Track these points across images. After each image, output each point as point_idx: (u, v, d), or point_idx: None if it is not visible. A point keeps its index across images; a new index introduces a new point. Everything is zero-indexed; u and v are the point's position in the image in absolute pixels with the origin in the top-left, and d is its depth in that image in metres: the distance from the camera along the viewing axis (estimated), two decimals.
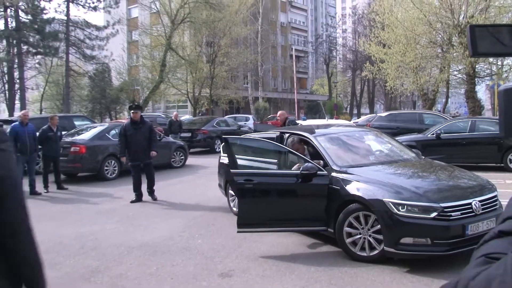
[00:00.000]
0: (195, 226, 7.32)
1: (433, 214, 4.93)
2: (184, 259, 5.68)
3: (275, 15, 60.67)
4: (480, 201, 5.18)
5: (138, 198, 9.61)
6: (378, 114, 22.13)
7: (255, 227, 6.01)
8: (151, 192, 9.78)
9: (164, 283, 4.91)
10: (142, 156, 9.55)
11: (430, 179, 6.01)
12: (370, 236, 5.30)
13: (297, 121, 24.62)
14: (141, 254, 5.94)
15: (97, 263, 5.53)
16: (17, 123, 10.83)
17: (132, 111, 9.73)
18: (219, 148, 8.78)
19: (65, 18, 37.33)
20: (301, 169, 5.80)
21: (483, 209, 5.14)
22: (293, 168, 6.27)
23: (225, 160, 8.07)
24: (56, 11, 38.27)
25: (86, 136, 13.40)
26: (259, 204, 5.98)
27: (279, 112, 11.34)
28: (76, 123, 17.37)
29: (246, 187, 5.81)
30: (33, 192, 10.64)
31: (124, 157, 9.82)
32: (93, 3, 38.44)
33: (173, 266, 5.44)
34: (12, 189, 1.68)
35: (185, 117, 30.49)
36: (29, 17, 35.72)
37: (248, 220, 5.85)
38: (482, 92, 46.51)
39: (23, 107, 34.19)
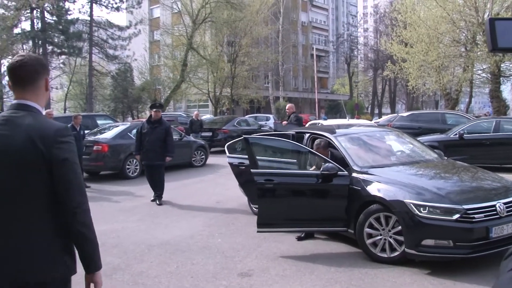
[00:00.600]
0: (215, 225, 7.34)
1: (456, 216, 4.85)
2: (204, 258, 5.70)
3: (296, 15, 60.52)
4: (505, 203, 5.07)
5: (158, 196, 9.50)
6: (399, 114, 21.90)
7: (275, 227, 6.02)
8: (158, 196, 9.41)
9: (184, 282, 4.93)
10: (153, 156, 9.20)
11: (452, 180, 5.92)
12: (390, 237, 5.24)
13: (317, 121, 24.50)
14: (162, 252, 5.99)
15: (118, 260, 5.59)
16: None
17: (154, 109, 9.45)
18: (240, 148, 8.71)
19: (89, 18, 37.82)
20: (321, 169, 5.78)
21: (508, 211, 5.03)
22: (310, 169, 6.27)
23: (233, 160, 8.11)
24: (80, 12, 38.89)
25: (108, 135, 13.56)
26: (279, 204, 5.97)
27: (287, 105, 11.39)
28: (99, 122, 17.61)
29: (266, 187, 5.82)
30: None
31: (138, 155, 9.60)
32: (116, 3, 38.88)
33: (193, 264, 5.46)
34: (73, 170, 2.12)
35: (206, 116, 30.59)
36: (54, 18, 36.36)
37: (268, 220, 5.85)
38: (507, 91, 45.69)
39: (47, 106, 34.75)
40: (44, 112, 2.28)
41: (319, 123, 20.41)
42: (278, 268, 5.26)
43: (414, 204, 4.99)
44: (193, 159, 15.19)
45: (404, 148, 7.23)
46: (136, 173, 13.14)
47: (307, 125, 17.90)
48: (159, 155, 9.21)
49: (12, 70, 2.20)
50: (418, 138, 9.13)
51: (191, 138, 16.34)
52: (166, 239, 6.60)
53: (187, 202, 9.43)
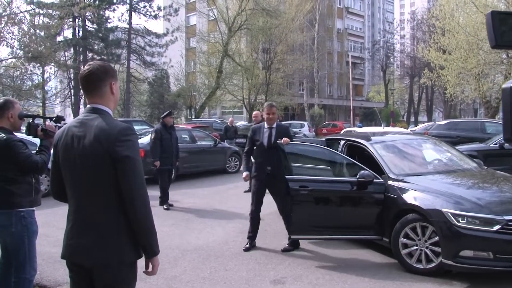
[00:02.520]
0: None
1: (496, 227, 4.69)
2: (237, 264, 5.69)
3: (331, 22, 60.25)
4: None
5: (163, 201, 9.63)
6: (436, 122, 21.42)
7: (308, 234, 5.98)
8: (166, 200, 9.64)
9: (217, 287, 4.94)
10: (170, 161, 9.64)
11: (492, 190, 5.75)
12: (427, 248, 5.11)
13: (352, 128, 24.15)
14: (195, 257, 6.01)
15: None
16: None
17: (170, 116, 9.86)
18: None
19: (128, 26, 38.68)
20: (357, 176, 5.70)
21: None
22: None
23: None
24: (119, 20, 39.81)
25: (144, 140, 13.72)
26: (313, 210, 5.92)
27: (254, 113, 10.83)
28: (136, 127, 17.88)
29: (300, 193, 5.78)
30: None
31: (158, 161, 9.50)
32: (154, 11, 39.67)
33: (226, 270, 5.46)
34: (135, 167, 2.34)
35: (241, 123, 30.73)
36: (95, 26, 37.33)
37: (301, 227, 5.81)
38: None
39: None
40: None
41: (353, 130, 20.23)
42: (311, 276, 5.21)
43: (452, 214, 4.86)
44: (227, 165, 15.26)
45: (442, 156, 7.06)
46: (171, 179, 13.26)
47: (341, 132, 17.74)
48: (173, 160, 9.77)
49: (81, 79, 2.52)
50: (456, 147, 8.90)
51: (226, 144, 16.41)
52: (200, 245, 6.63)
53: (221, 208, 9.45)
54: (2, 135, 3.70)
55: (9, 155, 3.64)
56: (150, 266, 2.47)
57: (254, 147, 6.50)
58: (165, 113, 10.08)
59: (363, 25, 70.82)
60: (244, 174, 6.55)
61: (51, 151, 3.77)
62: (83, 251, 2.37)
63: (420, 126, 27.81)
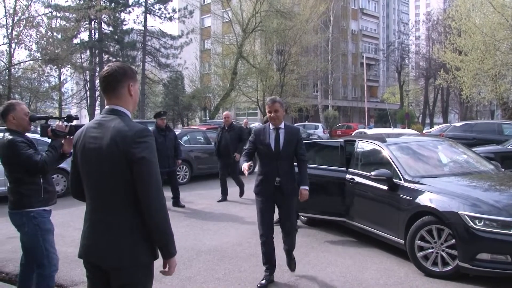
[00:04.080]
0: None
1: None
2: (252, 265, 5.68)
3: (346, 23, 60.06)
4: None
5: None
6: (452, 124, 21.22)
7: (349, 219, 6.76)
8: (176, 201, 9.83)
9: None
10: (168, 162, 9.57)
11: (509, 193, 5.64)
12: (443, 250, 5.05)
13: (362, 130, 24.01)
14: (210, 258, 6.01)
15: None
16: None
17: (161, 117, 9.76)
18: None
19: (143, 28, 38.91)
20: (373, 173, 5.75)
21: None
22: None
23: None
24: (134, 22, 40.22)
25: None
26: (353, 200, 6.67)
27: (225, 113, 10.96)
28: (151, 128, 17.95)
29: (351, 184, 6.63)
30: None
31: None
32: (169, 13, 39.89)
33: (240, 272, 5.46)
34: (151, 169, 2.34)
35: (255, 124, 30.73)
36: (110, 28, 37.62)
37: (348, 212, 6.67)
38: None
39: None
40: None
41: (363, 132, 20.19)
42: (325, 278, 5.17)
43: (469, 216, 4.79)
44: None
45: (458, 158, 6.97)
46: (185, 180, 13.33)
47: (353, 134, 17.72)
48: (173, 160, 9.82)
49: (100, 80, 2.55)
50: (473, 149, 8.79)
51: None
52: (214, 246, 6.63)
53: (235, 209, 9.45)
54: (8, 136, 3.85)
55: (12, 155, 3.77)
56: (167, 266, 2.48)
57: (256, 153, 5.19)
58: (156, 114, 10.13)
59: (377, 26, 70.47)
60: (245, 164, 4.97)
61: (61, 151, 3.87)
62: (99, 252, 2.40)
63: (436, 127, 27.59)
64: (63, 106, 34.50)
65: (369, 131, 20.45)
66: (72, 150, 2.64)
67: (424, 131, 26.93)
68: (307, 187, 4.98)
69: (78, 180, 2.56)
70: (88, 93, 38.13)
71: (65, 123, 3.83)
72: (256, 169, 5.38)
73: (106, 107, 2.53)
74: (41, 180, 3.87)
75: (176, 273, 5.34)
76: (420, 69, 59.86)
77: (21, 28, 22.65)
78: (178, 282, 5.06)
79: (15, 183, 3.83)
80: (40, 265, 3.89)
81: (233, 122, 11.00)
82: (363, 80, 50.18)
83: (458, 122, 23.07)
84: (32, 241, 3.86)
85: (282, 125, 5.01)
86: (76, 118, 3.97)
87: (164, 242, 2.40)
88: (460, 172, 6.25)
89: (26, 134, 4.02)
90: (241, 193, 10.66)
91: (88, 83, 37.85)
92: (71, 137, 3.74)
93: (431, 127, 41.50)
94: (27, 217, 3.81)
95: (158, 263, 2.49)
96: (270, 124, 5.03)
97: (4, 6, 22.42)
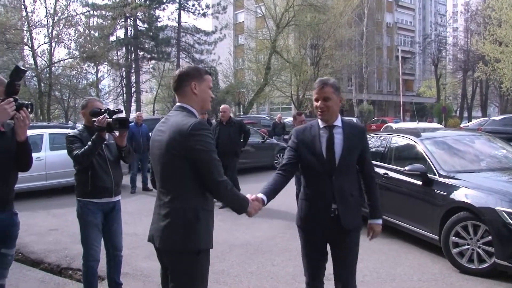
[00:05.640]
0: (296, 228, 7.28)
1: None
2: (284, 259, 5.68)
3: (380, 16, 59.08)
4: None
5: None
6: (491, 118, 20.64)
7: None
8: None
9: (263, 282, 4.95)
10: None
11: None
12: (479, 247, 4.93)
13: (390, 124, 23.61)
14: (243, 252, 6.06)
15: None
16: (132, 123, 11.49)
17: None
18: None
19: (177, 25, 39.28)
20: (407, 168, 5.70)
21: None
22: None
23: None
24: (169, 19, 40.55)
25: None
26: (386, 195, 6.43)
27: (222, 107, 9.84)
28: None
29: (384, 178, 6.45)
30: (145, 188, 11.31)
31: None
32: (202, 9, 40.15)
33: (273, 266, 5.47)
34: (208, 156, 2.56)
35: (289, 119, 30.65)
36: (145, 25, 38.13)
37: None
38: None
39: (138, 108, 36.60)
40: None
41: (389, 126, 20.04)
42: (358, 273, 5.07)
43: (506, 212, 4.66)
44: (275, 161, 15.27)
45: (496, 153, 6.77)
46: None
47: (381, 129, 17.56)
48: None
49: (172, 80, 2.85)
50: None
51: (274, 140, 16.44)
52: (247, 240, 6.67)
53: (269, 204, 9.41)
54: (72, 130, 4.28)
55: (66, 148, 4.07)
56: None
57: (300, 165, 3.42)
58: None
59: (413, 18, 69.05)
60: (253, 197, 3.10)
61: (101, 144, 3.96)
62: (155, 236, 2.66)
63: (474, 122, 26.88)
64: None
65: (394, 125, 20.36)
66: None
67: (461, 125, 26.22)
68: (380, 221, 3.34)
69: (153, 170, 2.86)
70: (124, 89, 38.81)
71: (107, 118, 3.88)
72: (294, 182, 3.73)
73: (176, 104, 2.81)
74: (89, 173, 3.99)
75: (210, 267, 5.39)
76: (457, 62, 58.28)
77: (60, 28, 23.31)
78: (211, 275, 5.02)
79: (74, 173, 4.12)
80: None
81: (231, 117, 9.88)
82: (399, 74, 49.33)
83: (498, 116, 22.42)
84: (80, 229, 4.11)
85: (338, 122, 3.27)
86: (119, 111, 4.07)
87: (236, 206, 2.81)
88: (498, 168, 6.08)
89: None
90: None
91: (124, 80, 38.53)
92: (117, 132, 3.94)
93: (469, 121, 40.44)
94: (78, 205, 4.09)
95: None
96: (320, 121, 3.29)
97: (45, 7, 23.10)
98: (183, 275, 2.63)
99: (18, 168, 3.23)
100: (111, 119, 3.83)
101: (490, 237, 4.79)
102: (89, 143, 3.89)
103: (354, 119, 35.70)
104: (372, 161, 3.50)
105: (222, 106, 9.92)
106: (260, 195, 3.23)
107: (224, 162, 9.79)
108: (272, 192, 3.38)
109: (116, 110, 3.99)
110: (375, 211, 3.33)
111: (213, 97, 2.92)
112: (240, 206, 2.80)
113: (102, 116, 3.85)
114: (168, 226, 2.59)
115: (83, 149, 3.89)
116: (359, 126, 3.48)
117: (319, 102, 3.23)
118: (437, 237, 5.39)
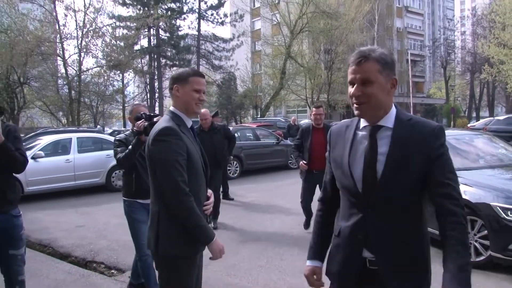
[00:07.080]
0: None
1: None
2: (293, 254, 5.76)
3: (391, 21, 58.61)
4: None
5: None
6: (495, 118, 20.39)
7: None
8: (225, 194, 9.94)
9: (272, 275, 5.04)
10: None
11: None
12: (476, 241, 4.96)
13: None
14: (254, 247, 6.15)
15: None
16: None
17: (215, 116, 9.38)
18: None
19: (197, 33, 39.54)
20: None
21: None
22: None
23: None
24: (189, 28, 40.90)
25: None
26: None
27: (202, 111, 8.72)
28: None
29: None
30: None
31: None
32: (221, 18, 40.35)
33: (282, 260, 5.55)
34: (164, 167, 2.34)
35: (304, 121, 30.64)
36: (167, 34, 38.47)
37: None
38: None
39: (161, 113, 36.92)
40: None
41: None
42: None
43: (501, 207, 4.69)
44: (289, 161, 15.34)
45: (495, 152, 6.76)
46: (236, 174, 13.54)
47: None
48: None
49: None
50: None
51: (288, 142, 16.49)
52: (259, 235, 6.76)
53: (281, 201, 9.52)
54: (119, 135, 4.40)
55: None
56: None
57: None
58: None
59: (422, 23, 68.30)
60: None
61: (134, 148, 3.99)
62: (148, 240, 2.57)
63: (480, 121, 26.57)
64: (126, 107, 35.69)
65: None
66: None
67: (469, 125, 25.93)
68: None
69: None
70: (148, 95, 39.25)
71: (145, 122, 3.90)
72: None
73: None
74: (133, 175, 4.08)
75: (222, 260, 5.49)
76: (465, 64, 57.47)
77: (89, 39, 23.78)
78: (222, 268, 5.22)
79: (121, 175, 4.27)
80: (135, 247, 4.20)
81: (213, 122, 7.95)
82: (409, 77, 48.88)
83: (501, 116, 22.13)
84: (128, 225, 4.20)
85: (387, 120, 1.88)
86: (155, 115, 4.01)
87: (193, 234, 2.42)
88: (496, 165, 6.08)
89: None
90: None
91: (148, 86, 38.97)
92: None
93: (477, 121, 39.92)
94: (124, 204, 4.19)
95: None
96: (362, 121, 1.99)
97: (75, 20, 23.61)
98: (159, 279, 2.54)
99: (9, 171, 3.11)
100: (147, 123, 3.84)
101: (486, 231, 4.82)
102: (130, 147, 3.97)
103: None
104: None
105: (202, 111, 8.39)
106: (314, 264, 2.27)
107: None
108: (319, 249, 2.27)
109: (152, 114, 3.99)
110: (452, 272, 1.69)
111: (203, 99, 2.58)
112: (192, 229, 2.41)
113: (140, 121, 3.89)
114: (149, 229, 2.51)
115: (124, 153, 3.98)
116: (428, 126, 1.83)
117: (355, 86, 1.84)
118: (436, 232, 5.40)
